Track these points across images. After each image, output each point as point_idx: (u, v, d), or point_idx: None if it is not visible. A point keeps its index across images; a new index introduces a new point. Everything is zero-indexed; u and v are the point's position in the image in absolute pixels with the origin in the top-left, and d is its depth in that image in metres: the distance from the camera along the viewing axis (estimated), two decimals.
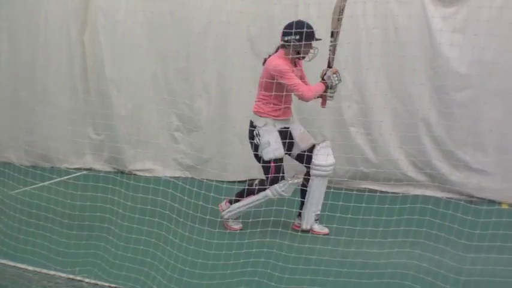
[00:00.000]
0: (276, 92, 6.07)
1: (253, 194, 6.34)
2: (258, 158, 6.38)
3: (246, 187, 6.45)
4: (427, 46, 7.83)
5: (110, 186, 5.61)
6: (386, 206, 5.07)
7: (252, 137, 6.43)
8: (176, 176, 8.64)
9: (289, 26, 6.20)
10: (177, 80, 8.89)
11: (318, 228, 6.42)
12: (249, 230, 5.65)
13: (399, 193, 7.28)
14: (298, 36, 6.08)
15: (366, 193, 5.50)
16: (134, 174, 8.89)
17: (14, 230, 5.61)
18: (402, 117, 7.99)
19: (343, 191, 5.32)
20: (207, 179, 7.18)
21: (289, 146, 6.31)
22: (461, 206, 4.92)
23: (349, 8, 6.22)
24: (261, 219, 5.47)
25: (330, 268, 4.94)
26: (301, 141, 6.39)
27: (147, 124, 8.70)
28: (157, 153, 8.97)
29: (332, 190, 5.59)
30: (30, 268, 5.16)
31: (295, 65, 6.33)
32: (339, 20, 6.12)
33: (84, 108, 9.15)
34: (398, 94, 8.00)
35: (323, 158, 6.20)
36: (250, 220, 5.56)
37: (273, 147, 6.22)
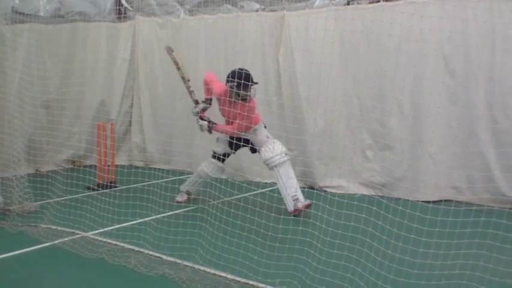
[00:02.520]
0: None
1: None
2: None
3: None
4: None
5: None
6: None
7: None
8: (365, 194, 8.78)
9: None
10: (369, 98, 9.00)
11: (300, 205, 7.59)
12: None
13: None
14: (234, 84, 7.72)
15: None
16: (324, 191, 9.12)
17: (217, 239, 6.03)
18: None
19: None
20: (396, 198, 7.34)
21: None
22: None
23: None
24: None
25: None
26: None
27: (339, 141, 8.87)
28: (348, 171, 9.14)
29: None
30: (230, 277, 5.46)
31: None
32: (178, 69, 8.33)
33: (278, 124, 9.49)
34: None
35: (270, 150, 7.84)
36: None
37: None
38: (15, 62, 9.56)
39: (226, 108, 7.83)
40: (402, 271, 5.11)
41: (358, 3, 9.42)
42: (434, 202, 7.74)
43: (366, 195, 8.67)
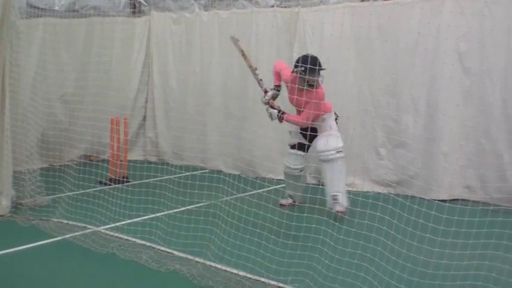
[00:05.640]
0: None
1: None
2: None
3: None
4: None
5: (319, 197, 5.74)
6: None
7: None
8: (379, 192, 8.68)
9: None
10: (383, 94, 8.94)
11: (338, 207, 7.32)
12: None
13: None
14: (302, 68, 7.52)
15: None
16: None
17: (230, 235, 5.96)
18: None
19: None
20: (412, 196, 7.25)
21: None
22: None
23: None
24: None
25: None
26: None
27: (352, 138, 8.80)
28: (362, 168, 9.07)
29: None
30: (242, 273, 5.40)
31: None
32: (245, 58, 8.07)
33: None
34: None
35: (324, 144, 7.56)
36: None
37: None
38: (30, 56, 9.57)
39: (294, 96, 7.54)
40: (416, 271, 5.02)
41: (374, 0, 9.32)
42: (450, 201, 7.62)
43: (380, 193, 8.53)
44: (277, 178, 9.69)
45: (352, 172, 8.96)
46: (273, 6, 10.39)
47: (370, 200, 5.56)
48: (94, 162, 10.02)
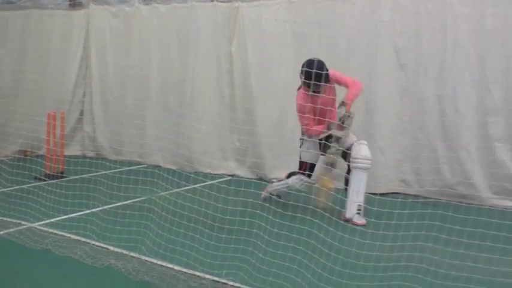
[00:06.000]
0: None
1: None
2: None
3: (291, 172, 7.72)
4: None
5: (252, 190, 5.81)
6: None
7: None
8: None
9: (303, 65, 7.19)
10: None
11: (356, 219, 6.99)
12: None
13: None
14: (303, 77, 7.17)
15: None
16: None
17: (164, 230, 5.95)
18: None
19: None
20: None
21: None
22: None
23: None
24: None
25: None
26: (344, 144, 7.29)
27: (290, 134, 8.88)
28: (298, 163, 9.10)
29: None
30: (177, 268, 5.40)
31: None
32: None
33: (229, 115, 9.52)
34: None
35: (356, 151, 7.14)
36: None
37: (308, 154, 7.52)
38: None
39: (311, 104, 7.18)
40: (348, 263, 5.10)
41: None
42: (381, 194, 7.77)
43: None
44: (215, 173, 9.76)
45: (290, 167, 9.07)
46: (212, 0, 10.38)
47: (302, 194, 5.64)
48: (29, 158, 9.87)
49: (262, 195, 8.00)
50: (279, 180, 8.08)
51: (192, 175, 7.93)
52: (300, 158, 7.62)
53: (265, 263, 5.19)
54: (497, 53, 7.85)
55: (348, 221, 7.03)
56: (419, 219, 5.26)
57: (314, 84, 6.95)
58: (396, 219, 5.27)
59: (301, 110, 7.33)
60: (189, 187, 7.80)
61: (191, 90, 10.02)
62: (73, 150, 11.44)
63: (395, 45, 8.55)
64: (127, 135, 10.72)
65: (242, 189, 6.82)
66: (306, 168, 7.53)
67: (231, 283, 5.06)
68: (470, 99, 8.11)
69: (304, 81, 7.22)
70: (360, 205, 7.07)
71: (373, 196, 5.97)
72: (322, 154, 7.35)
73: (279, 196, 7.95)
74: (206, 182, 7.70)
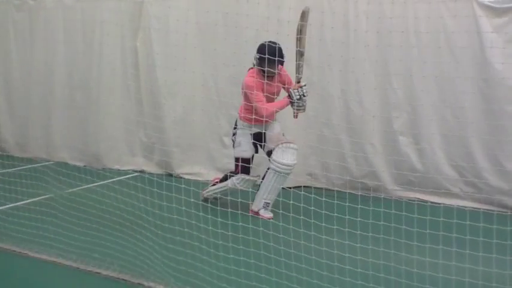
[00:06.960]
0: (246, 103, 7.27)
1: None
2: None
3: (227, 174, 7.63)
4: (478, 56, 7.77)
5: (155, 189, 5.76)
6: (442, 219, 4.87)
7: (233, 134, 7.56)
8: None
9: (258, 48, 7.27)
10: (227, 85, 8.97)
11: (263, 212, 7.24)
12: None
13: (441, 204, 7.09)
14: (258, 58, 7.21)
15: (416, 202, 5.36)
16: (182, 178, 9.15)
17: (70, 229, 5.86)
18: (452, 127, 7.97)
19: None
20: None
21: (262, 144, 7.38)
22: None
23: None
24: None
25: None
26: (271, 142, 7.30)
27: (197, 128, 8.86)
28: (206, 158, 9.22)
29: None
30: (82, 267, 5.40)
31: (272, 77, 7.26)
32: (299, 40, 7.08)
33: (136, 111, 9.42)
34: (449, 104, 7.98)
35: (279, 155, 7.15)
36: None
37: (242, 148, 7.34)
38: None
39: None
40: (261, 255, 5.10)
41: None
42: (295, 188, 7.84)
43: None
44: (123, 169, 9.67)
45: (198, 162, 9.10)
46: None
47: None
48: None
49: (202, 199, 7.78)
50: (214, 184, 7.82)
51: (100, 171, 7.82)
52: (235, 154, 7.48)
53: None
54: (399, 49, 8.05)
55: (256, 214, 7.21)
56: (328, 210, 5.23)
57: (269, 61, 6.84)
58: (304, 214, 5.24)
59: (250, 87, 7.14)
60: (98, 183, 7.57)
61: (97, 85, 9.87)
62: None
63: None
64: (32, 131, 10.46)
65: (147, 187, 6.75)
66: (243, 164, 7.33)
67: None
68: (374, 95, 8.31)
69: (260, 57, 7.15)
70: (267, 203, 7.27)
71: (288, 190, 6.05)
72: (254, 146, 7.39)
73: (216, 199, 7.63)
74: (115, 178, 7.63)
